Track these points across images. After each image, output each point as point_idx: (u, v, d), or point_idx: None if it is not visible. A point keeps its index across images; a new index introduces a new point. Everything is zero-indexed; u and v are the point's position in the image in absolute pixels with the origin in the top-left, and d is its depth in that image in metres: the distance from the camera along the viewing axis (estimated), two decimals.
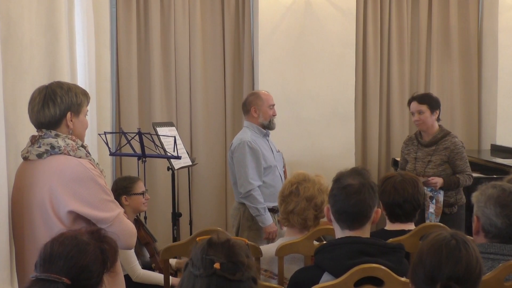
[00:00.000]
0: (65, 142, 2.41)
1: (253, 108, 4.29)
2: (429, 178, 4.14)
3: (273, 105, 4.35)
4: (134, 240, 2.51)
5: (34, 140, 2.43)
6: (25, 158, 2.44)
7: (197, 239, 2.03)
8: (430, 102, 4.31)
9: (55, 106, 2.42)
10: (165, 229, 5.35)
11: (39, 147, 2.39)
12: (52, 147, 2.38)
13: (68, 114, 2.44)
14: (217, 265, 1.60)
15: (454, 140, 4.28)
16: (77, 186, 2.33)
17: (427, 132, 4.32)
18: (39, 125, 2.45)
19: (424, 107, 4.28)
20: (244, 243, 1.75)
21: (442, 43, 6.04)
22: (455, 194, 4.25)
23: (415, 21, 6.01)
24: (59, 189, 2.32)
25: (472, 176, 4.30)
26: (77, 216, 2.35)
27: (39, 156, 2.38)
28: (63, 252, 1.69)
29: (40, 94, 2.43)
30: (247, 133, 4.26)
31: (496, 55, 5.84)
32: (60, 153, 2.38)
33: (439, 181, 4.15)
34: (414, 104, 4.33)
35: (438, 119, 4.34)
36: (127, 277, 3.75)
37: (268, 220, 4.11)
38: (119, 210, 2.44)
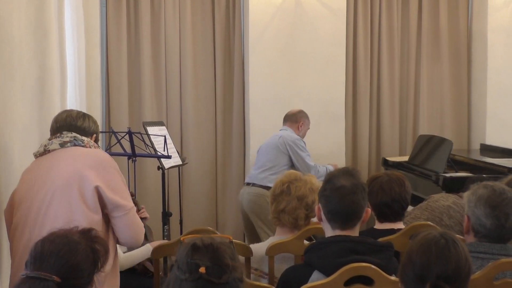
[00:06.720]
0: (88, 139, 2.52)
1: (301, 123, 5.01)
2: None
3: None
4: (142, 237, 2.54)
5: (54, 137, 2.48)
6: (43, 152, 2.44)
7: (181, 238, 2.03)
8: None
9: (90, 122, 2.62)
10: (155, 229, 5.32)
11: (62, 138, 2.45)
12: (76, 139, 2.46)
13: (94, 136, 2.62)
14: (202, 269, 1.60)
15: None
16: (102, 169, 2.39)
17: None
18: (69, 128, 2.53)
19: None
20: (228, 242, 1.75)
21: (432, 43, 6.06)
22: None
23: (405, 21, 6.03)
24: (85, 168, 2.35)
25: None
26: (100, 198, 2.35)
27: (62, 145, 2.43)
28: (54, 251, 1.69)
29: (76, 112, 2.64)
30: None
31: (486, 56, 5.87)
32: (83, 145, 2.46)
33: None
34: None
35: None
36: (131, 271, 3.72)
37: (326, 168, 4.91)
38: (133, 204, 2.50)
